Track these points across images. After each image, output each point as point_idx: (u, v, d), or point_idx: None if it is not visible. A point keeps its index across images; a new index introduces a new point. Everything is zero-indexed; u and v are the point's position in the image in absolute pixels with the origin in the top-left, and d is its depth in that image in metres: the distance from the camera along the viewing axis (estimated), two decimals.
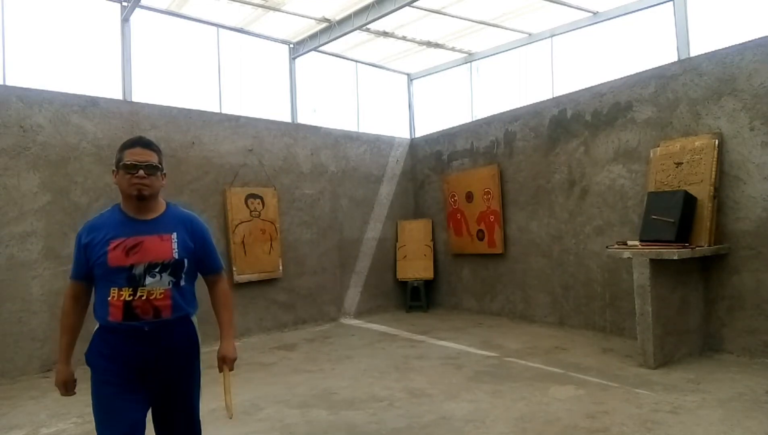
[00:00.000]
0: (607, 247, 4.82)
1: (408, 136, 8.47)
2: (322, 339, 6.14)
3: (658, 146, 5.04)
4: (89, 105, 5.44)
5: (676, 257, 4.17)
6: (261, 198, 6.50)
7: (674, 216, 4.47)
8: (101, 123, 5.49)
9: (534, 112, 6.37)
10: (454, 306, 7.72)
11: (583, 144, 5.80)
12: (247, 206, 6.39)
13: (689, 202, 4.51)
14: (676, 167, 4.81)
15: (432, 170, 8.02)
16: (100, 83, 5.86)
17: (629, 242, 4.69)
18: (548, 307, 6.28)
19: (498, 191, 6.77)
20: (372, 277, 7.74)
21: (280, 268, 6.61)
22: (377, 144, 7.95)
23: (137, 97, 5.97)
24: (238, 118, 6.52)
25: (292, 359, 5.23)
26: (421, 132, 8.42)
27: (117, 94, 5.87)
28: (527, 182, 6.48)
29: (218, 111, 6.59)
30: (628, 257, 4.52)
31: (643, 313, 4.40)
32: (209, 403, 3.93)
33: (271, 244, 6.53)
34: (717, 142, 4.57)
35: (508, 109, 6.77)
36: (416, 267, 7.87)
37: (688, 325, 4.63)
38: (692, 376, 4.10)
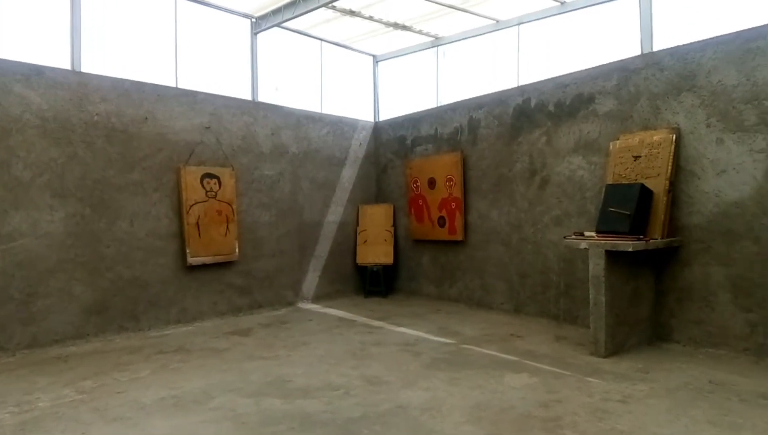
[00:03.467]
0: (564, 237, 4.88)
1: (372, 120, 8.35)
2: (278, 324, 6.02)
3: (618, 139, 5.11)
4: (34, 74, 5.07)
5: (630, 249, 4.25)
6: (218, 178, 6.27)
7: (630, 208, 4.54)
8: (47, 94, 5.14)
9: (499, 100, 6.36)
10: (413, 292, 7.72)
11: (546, 134, 5.83)
12: (203, 186, 6.15)
13: (645, 195, 4.60)
14: (634, 160, 4.89)
15: (395, 155, 7.94)
16: (47, 52, 5.47)
17: (586, 233, 4.75)
18: (505, 294, 6.35)
19: (460, 178, 6.76)
20: (331, 261, 7.64)
21: (237, 250, 6.43)
22: (340, 126, 7.79)
23: (87, 67, 5.61)
24: (195, 93, 6.24)
25: (247, 345, 5.10)
26: (385, 115, 8.31)
27: (65, 64, 5.49)
28: (489, 170, 6.49)
29: (174, 85, 6.29)
30: (585, 248, 4.58)
31: (597, 303, 4.49)
32: (159, 391, 3.79)
33: (227, 226, 6.32)
34: (674, 137, 4.66)
35: (473, 96, 6.73)
36: (376, 252, 7.81)
37: (639, 315, 4.75)
38: (641, 365, 4.22)
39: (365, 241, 7.87)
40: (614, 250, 4.36)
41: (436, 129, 7.23)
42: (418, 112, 7.57)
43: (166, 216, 5.95)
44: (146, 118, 5.83)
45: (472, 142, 6.71)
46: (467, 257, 6.84)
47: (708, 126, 4.52)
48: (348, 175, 7.89)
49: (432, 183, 7.17)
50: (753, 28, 4.28)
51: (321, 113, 7.60)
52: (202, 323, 6.10)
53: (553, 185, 5.77)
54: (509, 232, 6.27)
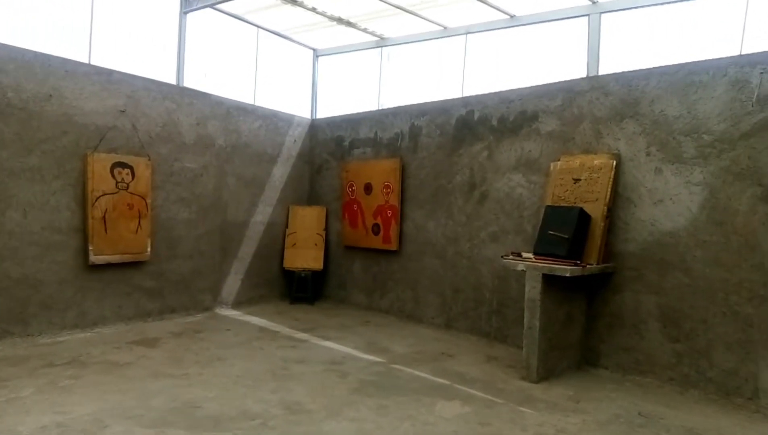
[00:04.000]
0: (502, 256, 4.74)
1: (309, 117, 7.92)
2: (192, 333, 5.48)
3: (559, 160, 5.05)
4: None
5: (568, 274, 4.16)
6: (131, 168, 5.62)
7: (568, 232, 4.47)
8: None
9: (442, 109, 6.17)
10: (342, 300, 7.39)
11: (487, 148, 5.70)
12: (113, 176, 5.48)
13: (583, 219, 4.55)
14: (574, 183, 4.84)
15: (331, 155, 7.57)
16: None
17: (524, 254, 4.64)
18: (437, 308, 6.17)
19: (398, 186, 6.51)
20: (256, 264, 7.14)
21: (149, 249, 5.80)
22: (274, 120, 7.31)
23: None
24: (110, 72, 5.56)
25: (153, 359, 4.55)
26: (323, 113, 7.91)
27: None
28: (429, 180, 6.28)
29: (87, 62, 5.57)
30: (522, 270, 4.45)
31: (531, 327, 4.37)
32: (40, 416, 3.15)
33: (139, 222, 5.68)
34: (615, 163, 4.64)
35: (416, 102, 6.50)
36: (305, 256, 7.40)
37: (570, 339, 4.70)
38: (572, 392, 4.13)
39: (294, 245, 7.44)
40: (551, 274, 4.26)
41: (376, 133, 6.94)
42: (358, 114, 7.24)
43: (68, 208, 5.24)
44: (51, 96, 5.10)
45: (412, 149, 6.48)
46: (401, 268, 6.60)
47: (648, 154, 4.53)
48: (279, 173, 7.42)
49: (368, 188, 6.87)
50: (696, 62, 4.32)
51: (254, 105, 7.08)
52: (104, 329, 5.43)
53: (491, 201, 5.65)
54: (445, 244, 6.10)
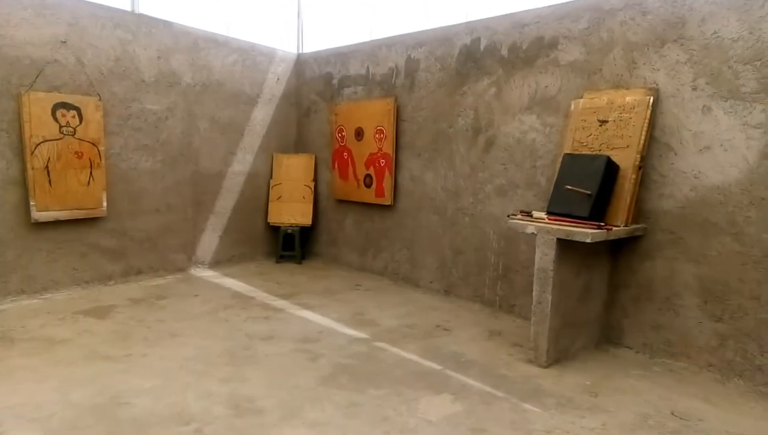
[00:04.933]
0: (509, 215, 3.93)
1: (295, 51, 6.95)
2: (153, 300, 4.83)
3: (582, 97, 4.13)
4: None
5: (589, 240, 3.35)
6: (77, 109, 4.81)
7: (592, 187, 3.62)
8: None
9: (443, 37, 5.19)
10: (332, 259, 6.69)
11: (495, 84, 4.77)
12: (56, 119, 4.69)
13: (611, 171, 3.69)
14: (600, 126, 3.94)
15: (320, 96, 6.66)
16: None
17: (535, 213, 3.81)
18: (435, 272, 5.43)
19: (392, 131, 5.63)
20: (236, 219, 6.42)
21: (104, 204, 5.08)
22: (252, 55, 6.38)
23: None
24: None
25: (96, 334, 3.91)
26: (311, 47, 6.93)
27: None
28: (427, 124, 5.39)
29: None
30: (533, 233, 3.65)
31: (541, 302, 3.62)
32: None
33: (90, 173, 4.94)
34: (651, 100, 3.72)
35: (413, 30, 5.51)
36: (292, 210, 6.66)
37: (588, 314, 3.95)
38: (588, 381, 3.42)
39: (279, 197, 6.68)
40: (568, 238, 3.45)
41: (368, 68, 6.00)
42: (347, 46, 6.27)
43: (2, 156, 4.50)
44: None
45: (408, 87, 5.56)
46: (395, 225, 5.83)
47: (694, 89, 3.59)
48: (261, 116, 6.56)
49: (359, 133, 6.01)
50: None
51: (228, 36, 6.14)
52: (55, 295, 4.81)
53: (499, 148, 4.78)
54: (445, 199, 5.28)
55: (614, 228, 3.58)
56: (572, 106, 4.14)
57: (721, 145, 3.48)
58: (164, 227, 5.69)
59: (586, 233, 3.36)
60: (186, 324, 4.21)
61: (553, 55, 4.34)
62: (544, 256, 3.58)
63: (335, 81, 6.41)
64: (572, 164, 3.82)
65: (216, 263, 6.24)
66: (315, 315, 4.58)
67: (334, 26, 6.79)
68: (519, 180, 4.63)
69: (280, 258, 6.66)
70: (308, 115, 6.85)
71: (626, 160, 3.74)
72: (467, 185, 5.06)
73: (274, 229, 6.68)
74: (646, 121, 3.71)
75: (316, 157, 6.78)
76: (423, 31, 5.39)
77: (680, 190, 3.68)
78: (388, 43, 5.74)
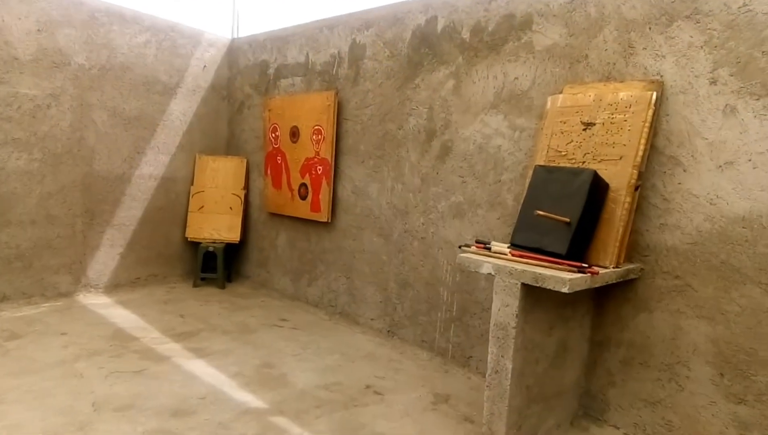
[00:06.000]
0: (460, 246, 2.91)
1: (228, 35, 5.87)
2: (0, 340, 3.68)
3: (561, 93, 3.14)
4: None
5: (566, 290, 2.34)
6: None
7: (572, 213, 2.62)
8: None
9: (393, 17, 4.18)
10: (262, 283, 5.59)
11: (454, 76, 3.76)
12: None
13: (598, 191, 2.70)
14: (585, 130, 2.95)
15: (255, 89, 5.60)
16: None
17: (494, 245, 2.79)
18: (378, 307, 4.38)
19: (332, 131, 4.59)
20: (145, 233, 5.29)
21: None
22: (171, 36, 5.29)
23: None
24: None
25: None
26: (247, 30, 5.86)
27: None
28: (373, 124, 4.37)
29: None
30: (489, 274, 2.62)
31: (499, 371, 2.59)
32: None
33: None
34: (654, 97, 2.75)
35: (359, 9, 4.49)
36: (217, 224, 5.55)
37: (563, 382, 2.94)
38: None
39: (201, 207, 5.57)
40: (538, 285, 2.43)
41: (308, 55, 4.96)
42: (285, 29, 5.22)
43: None
44: None
45: (352, 79, 4.53)
46: (333, 247, 4.77)
47: (713, 82, 2.62)
48: (181, 110, 5.45)
49: (295, 134, 4.95)
50: None
51: (136, 11, 5.03)
52: None
53: (456, 156, 3.77)
54: (391, 218, 4.25)
55: (601, 270, 2.58)
56: (548, 104, 3.15)
57: (750, 159, 2.51)
58: (42, 243, 4.54)
59: (563, 279, 2.34)
60: (21, 381, 3.08)
61: (526, 38, 3.35)
62: (504, 308, 2.56)
63: (271, 71, 5.36)
64: (546, 181, 2.82)
65: (114, 287, 5.10)
66: (208, 367, 3.48)
67: (274, 3, 5.72)
68: (480, 197, 3.62)
69: (201, 280, 5.55)
70: (241, 111, 5.78)
71: (618, 176, 2.75)
72: (417, 201, 4.04)
73: (195, 246, 5.56)
74: (647, 124, 2.73)
75: (248, 161, 5.69)
76: (371, 10, 4.38)
77: (690, 221, 2.69)
78: (331, 25, 4.70)
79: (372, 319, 4.42)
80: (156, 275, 5.43)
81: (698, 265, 2.66)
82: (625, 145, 2.77)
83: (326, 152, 4.64)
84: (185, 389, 3.15)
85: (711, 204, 2.63)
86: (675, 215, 2.75)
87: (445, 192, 3.85)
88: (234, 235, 5.56)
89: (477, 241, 2.92)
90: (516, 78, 3.41)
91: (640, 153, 2.73)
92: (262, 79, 5.47)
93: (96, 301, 4.74)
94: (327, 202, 4.67)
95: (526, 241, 2.75)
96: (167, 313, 4.54)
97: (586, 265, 2.50)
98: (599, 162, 2.84)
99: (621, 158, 2.77)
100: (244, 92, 5.72)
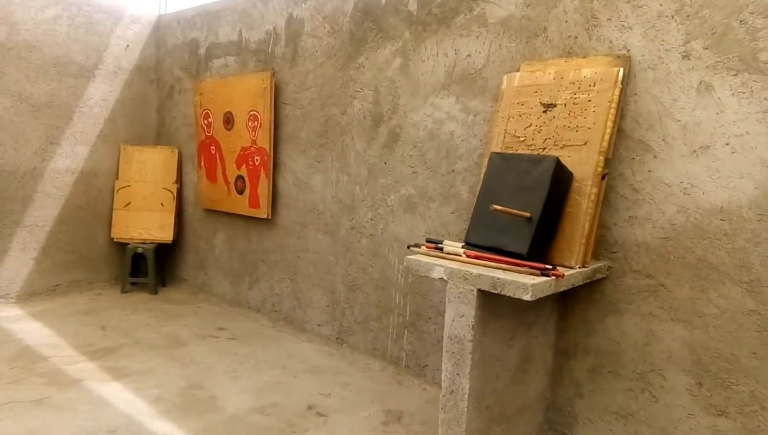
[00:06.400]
0: (409, 246, 2.54)
1: (154, 11, 5.28)
2: None
3: (518, 71, 2.80)
4: None
5: (528, 297, 2.00)
6: None
7: (532, 207, 2.29)
8: None
9: None
10: (201, 287, 5.10)
11: (401, 53, 3.37)
12: None
13: (561, 181, 2.37)
14: (545, 112, 2.62)
15: (185, 71, 5.05)
16: None
17: (446, 245, 2.43)
18: (325, 312, 3.98)
19: (270, 117, 4.13)
20: (63, 234, 4.71)
21: None
22: (87, 11, 4.67)
23: None
24: None
25: None
26: (175, 5, 5.28)
27: None
28: (314, 108, 3.93)
29: None
30: (442, 279, 2.26)
31: (455, 391, 2.25)
32: None
33: None
34: (621, 74, 2.43)
35: None
36: (146, 222, 5.01)
37: (526, 395, 2.62)
38: None
39: (128, 204, 5.01)
40: (496, 291, 2.09)
41: (241, 32, 4.46)
42: (216, 3, 4.69)
43: None
44: None
45: (290, 58, 4.07)
46: (275, 246, 4.33)
47: (686, 56, 2.33)
48: (101, 95, 4.86)
49: (229, 121, 4.46)
50: None
51: None
52: None
53: (406, 144, 3.39)
54: (336, 213, 3.84)
55: (566, 271, 2.26)
56: (504, 84, 2.80)
57: (728, 143, 2.23)
58: None
59: (524, 285, 2.01)
60: None
61: (479, 10, 2.99)
62: (459, 319, 2.21)
63: (202, 50, 4.82)
64: (503, 170, 2.47)
65: (29, 296, 4.51)
66: (124, 392, 3.01)
67: None
68: (432, 189, 3.26)
69: (131, 285, 5.01)
70: (171, 95, 5.22)
71: (583, 164, 2.43)
72: (365, 194, 3.64)
73: (123, 247, 5.00)
74: (613, 105, 2.41)
75: (180, 152, 5.16)
76: None
77: (662, 213, 2.40)
78: None
79: (319, 325, 4.02)
80: (78, 281, 4.85)
81: (672, 262, 2.38)
82: (589, 128, 2.45)
83: (264, 141, 4.17)
84: (93, 421, 2.68)
85: (685, 194, 2.34)
86: (645, 207, 2.45)
87: (394, 184, 3.47)
88: (166, 235, 5.03)
89: (428, 241, 2.55)
90: (468, 55, 3.04)
91: (607, 137, 2.42)
92: (192, 59, 4.93)
93: (4, 314, 4.15)
94: (266, 196, 4.22)
95: (483, 239, 2.40)
96: (86, 326, 4.02)
97: (549, 267, 2.17)
98: (561, 148, 2.51)
99: (586, 144, 2.45)
100: (173, 75, 5.16)
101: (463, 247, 2.42)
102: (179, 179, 5.14)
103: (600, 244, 2.58)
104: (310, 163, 3.99)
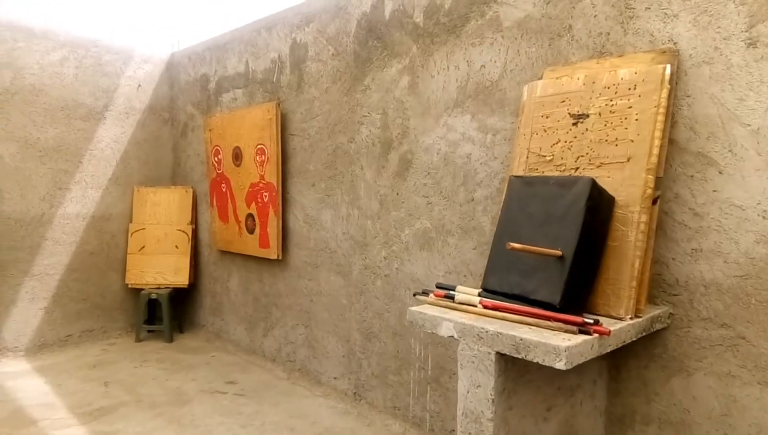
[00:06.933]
0: (415, 294, 2.10)
1: (169, 50, 5.16)
2: None
3: (541, 78, 2.35)
4: None
5: (562, 364, 1.52)
6: None
7: (565, 241, 1.81)
8: None
9: (334, 7, 3.43)
10: (218, 334, 4.79)
11: (409, 70, 2.99)
12: None
13: (599, 207, 1.88)
14: (575, 125, 2.16)
15: (197, 107, 4.87)
16: None
17: (459, 292, 1.98)
18: (341, 362, 3.56)
19: (276, 150, 3.82)
20: (74, 282, 4.53)
21: None
22: (95, 53, 4.58)
23: None
24: None
25: None
26: (187, 42, 5.15)
27: None
28: (322, 138, 3.60)
29: None
30: (452, 337, 1.81)
31: None
32: None
33: None
34: (668, 72, 1.95)
35: (297, 2, 3.75)
36: (161, 266, 4.78)
37: None
38: None
39: (142, 248, 4.80)
40: (520, 356, 1.62)
41: (247, 63, 4.22)
42: (224, 35, 4.50)
43: None
44: None
45: (296, 86, 3.77)
46: (288, 288, 3.97)
47: (751, 44, 1.83)
48: (112, 136, 4.72)
49: (238, 156, 4.20)
50: None
51: (47, 25, 4.33)
52: None
53: (419, 171, 2.98)
54: (348, 251, 3.45)
55: (613, 325, 1.76)
56: (525, 95, 2.36)
57: None
58: None
59: (556, 348, 1.53)
60: None
61: (491, 13, 2.58)
62: (475, 390, 1.75)
63: (212, 85, 4.63)
64: (527, 197, 2.01)
65: (40, 348, 4.32)
66: None
67: (215, 10, 5.00)
68: (450, 222, 2.82)
69: (148, 333, 4.76)
70: (185, 134, 5.04)
71: (627, 185, 1.94)
72: (377, 230, 3.24)
73: (138, 293, 4.77)
74: (661, 110, 1.93)
75: (194, 191, 4.94)
76: (310, 1, 3.63)
77: (735, 243, 1.87)
78: (269, 25, 3.97)
79: (335, 378, 3.59)
80: (92, 331, 4.64)
81: (754, 307, 1.84)
82: (632, 140, 1.97)
83: (272, 175, 3.86)
84: None
85: (764, 218, 1.81)
86: (713, 236, 1.93)
87: (408, 217, 3.05)
88: (182, 279, 4.78)
89: (438, 287, 2.11)
90: (482, 66, 2.63)
91: (655, 150, 1.93)
92: (203, 95, 4.74)
93: (9, 369, 3.95)
94: (276, 235, 3.88)
95: (503, 285, 1.94)
96: (90, 381, 3.75)
97: (590, 320, 1.68)
98: (598, 167, 2.04)
99: (629, 160, 1.96)
100: (187, 112, 4.99)
101: (479, 295, 1.96)
102: (194, 220, 4.91)
103: (656, 285, 2.06)
104: (319, 198, 3.64)
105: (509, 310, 1.81)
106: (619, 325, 1.78)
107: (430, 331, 1.89)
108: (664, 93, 1.95)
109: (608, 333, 1.66)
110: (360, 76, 3.29)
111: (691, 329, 1.99)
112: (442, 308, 1.94)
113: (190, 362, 4.17)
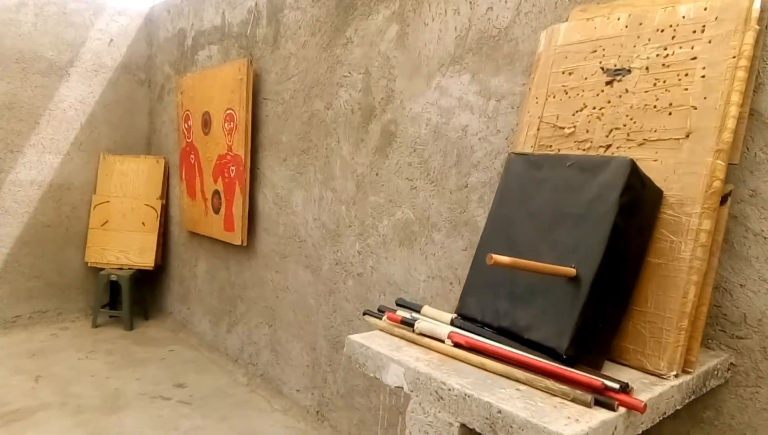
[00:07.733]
0: (364, 313, 1.49)
1: (148, 3, 4.58)
2: None
3: (567, 20, 1.69)
4: None
5: None
6: None
7: (584, 253, 1.17)
8: None
9: None
10: (183, 324, 4.26)
11: (398, 18, 2.35)
12: None
13: (639, 203, 1.23)
14: (609, 84, 1.49)
15: (173, 67, 4.29)
16: None
17: (423, 319, 1.36)
18: (305, 374, 2.98)
19: (246, 115, 3.22)
20: (25, 257, 4.04)
21: None
22: (59, 1, 4.02)
23: None
24: None
25: None
26: None
27: None
28: (297, 103, 2.98)
29: None
30: (400, 387, 1.20)
31: None
32: None
33: None
34: (757, 5, 1.27)
35: None
36: (125, 244, 4.25)
37: None
38: None
39: (105, 223, 4.28)
40: (493, 432, 0.99)
41: (224, 14, 3.62)
42: None
43: None
44: None
45: (272, 40, 3.16)
46: (255, 279, 3.40)
47: None
48: (76, 96, 4.19)
49: (207, 123, 3.62)
50: None
51: None
52: None
53: (403, 147, 2.34)
54: (320, 241, 2.85)
55: (653, 384, 1.12)
56: (542, 43, 1.70)
57: None
58: None
59: (560, 422, 0.90)
60: None
61: None
62: None
63: (188, 41, 4.04)
64: (531, 184, 1.37)
65: None
66: None
67: None
68: (437, 213, 2.19)
69: (109, 318, 4.26)
70: (162, 97, 4.48)
71: (683, 174, 1.29)
72: (352, 218, 2.63)
73: (99, 272, 4.26)
74: (741, 63, 1.26)
75: (167, 162, 4.38)
76: None
77: None
78: None
79: (298, 391, 3.02)
80: (45, 312, 4.16)
81: None
82: (695, 107, 1.31)
83: (239, 146, 3.27)
84: None
85: None
86: None
87: (388, 203, 2.42)
88: (147, 260, 4.25)
89: (398, 303, 1.50)
90: (489, 8, 1.97)
91: (730, 124, 1.27)
92: (179, 53, 4.16)
93: None
94: (242, 216, 3.30)
95: (486, 312, 1.32)
96: (21, 374, 3.25)
97: (614, 385, 1.05)
98: (640, 145, 1.38)
99: (688, 136, 1.31)
100: (164, 73, 4.42)
101: (452, 323, 1.34)
102: (165, 194, 4.36)
103: (713, 321, 1.41)
104: (291, 175, 3.04)
105: (490, 352, 1.19)
106: (660, 389, 1.15)
107: (372, 375, 1.28)
108: (749, 37, 1.28)
109: (643, 408, 1.03)
110: (341, 26, 2.65)
111: (762, 389, 1.34)
112: (396, 338, 1.34)
113: (143, 357, 3.64)
